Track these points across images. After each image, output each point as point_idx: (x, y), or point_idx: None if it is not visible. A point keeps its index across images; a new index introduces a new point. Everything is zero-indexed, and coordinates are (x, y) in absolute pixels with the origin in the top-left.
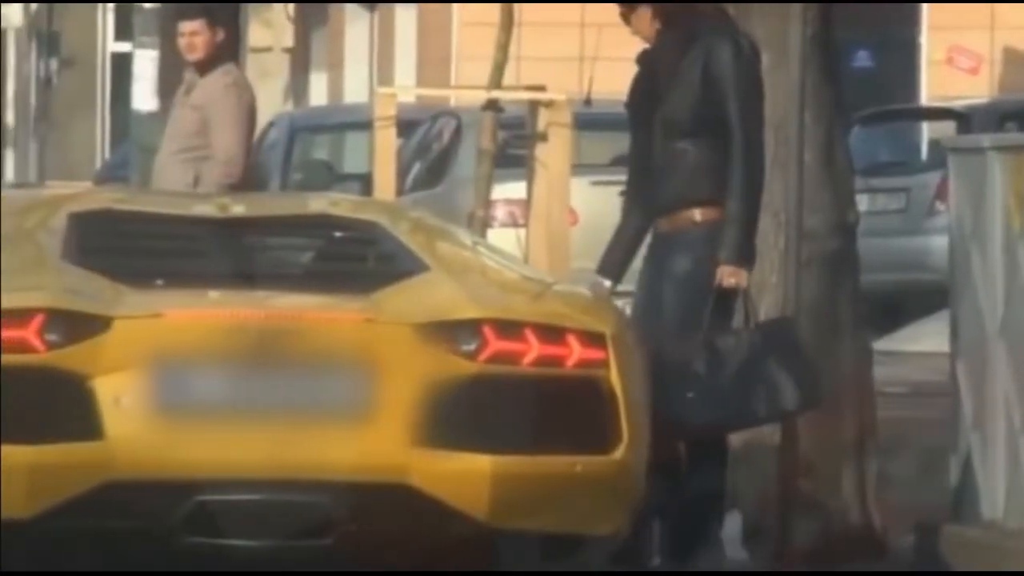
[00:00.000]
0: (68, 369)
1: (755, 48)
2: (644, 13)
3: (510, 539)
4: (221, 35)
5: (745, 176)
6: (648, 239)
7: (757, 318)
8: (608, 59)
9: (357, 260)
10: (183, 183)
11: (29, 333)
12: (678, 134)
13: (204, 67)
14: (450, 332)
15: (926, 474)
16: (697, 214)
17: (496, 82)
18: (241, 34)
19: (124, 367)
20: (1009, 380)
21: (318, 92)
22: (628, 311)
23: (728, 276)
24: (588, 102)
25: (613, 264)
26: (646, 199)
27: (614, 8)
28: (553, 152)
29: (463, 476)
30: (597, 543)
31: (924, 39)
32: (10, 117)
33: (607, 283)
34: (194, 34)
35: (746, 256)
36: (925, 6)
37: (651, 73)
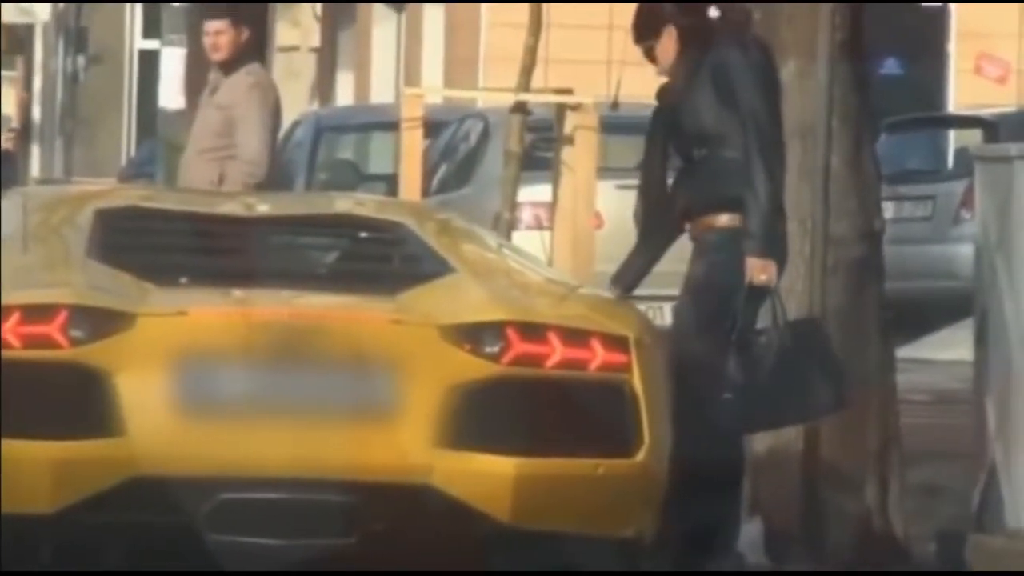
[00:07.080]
0: (92, 365)
1: (764, 48)
2: (668, 40)
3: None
4: (245, 34)
5: (762, 170)
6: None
7: (786, 318)
8: (636, 63)
9: (382, 261)
10: (208, 182)
11: (53, 329)
12: (696, 143)
13: (228, 67)
14: (474, 334)
15: (949, 482)
16: (715, 220)
17: (524, 84)
18: (268, 33)
19: (148, 364)
20: None
21: (345, 92)
22: (651, 316)
23: (759, 271)
24: (615, 105)
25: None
26: (656, 225)
27: None
28: (579, 155)
29: (485, 477)
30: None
31: (953, 47)
32: (37, 113)
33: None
34: (219, 33)
35: (773, 249)
36: (954, 7)
37: (671, 107)
